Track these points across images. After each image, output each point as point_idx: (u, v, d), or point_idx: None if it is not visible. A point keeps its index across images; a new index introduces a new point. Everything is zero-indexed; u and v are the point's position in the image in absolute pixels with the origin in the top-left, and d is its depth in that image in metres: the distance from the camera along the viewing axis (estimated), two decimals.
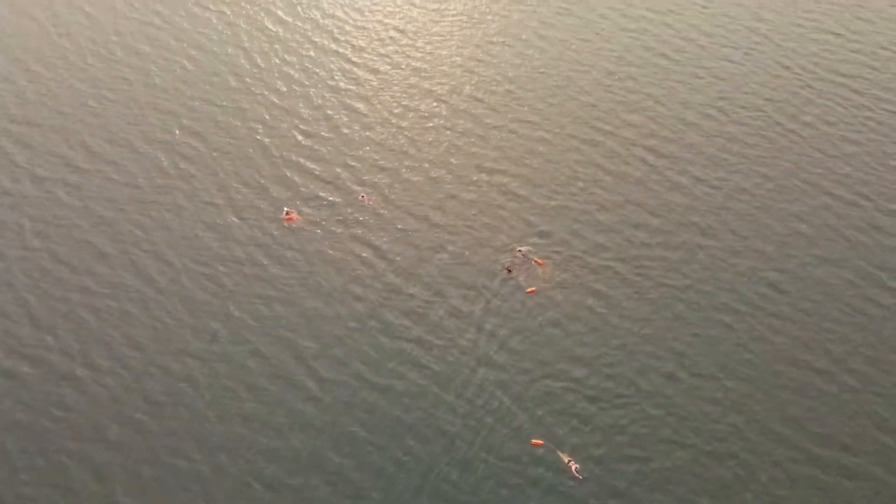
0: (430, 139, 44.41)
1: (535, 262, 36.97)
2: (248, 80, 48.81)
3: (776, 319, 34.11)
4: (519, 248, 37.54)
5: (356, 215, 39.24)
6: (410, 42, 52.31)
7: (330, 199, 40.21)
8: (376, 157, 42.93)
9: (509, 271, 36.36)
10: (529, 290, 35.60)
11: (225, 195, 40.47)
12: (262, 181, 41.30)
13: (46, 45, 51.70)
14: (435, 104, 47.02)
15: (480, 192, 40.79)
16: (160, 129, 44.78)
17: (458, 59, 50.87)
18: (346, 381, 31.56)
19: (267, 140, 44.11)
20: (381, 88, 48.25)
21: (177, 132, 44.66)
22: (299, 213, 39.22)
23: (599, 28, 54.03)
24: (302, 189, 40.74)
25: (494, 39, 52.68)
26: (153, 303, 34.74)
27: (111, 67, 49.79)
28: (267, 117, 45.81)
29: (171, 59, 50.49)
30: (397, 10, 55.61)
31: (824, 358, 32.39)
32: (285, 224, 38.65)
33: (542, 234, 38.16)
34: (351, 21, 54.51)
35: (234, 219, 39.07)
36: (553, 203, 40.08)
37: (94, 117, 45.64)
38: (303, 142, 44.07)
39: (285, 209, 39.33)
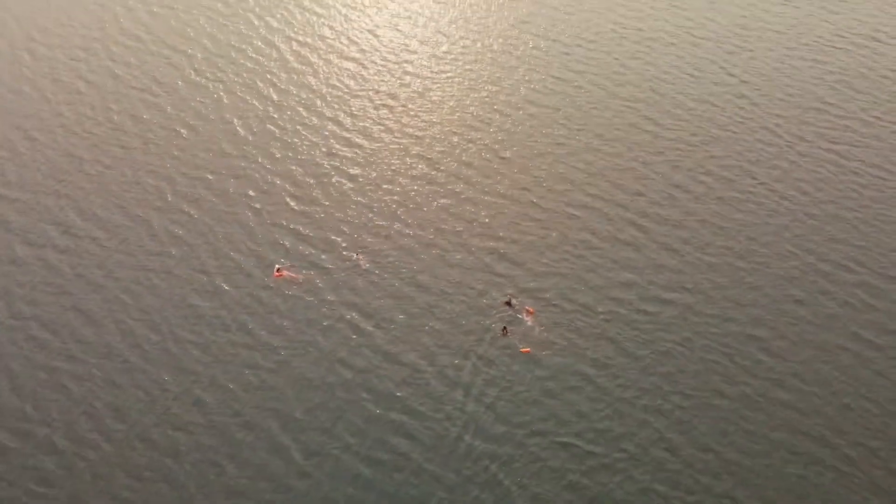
0: (422, 204, 44.64)
1: (527, 310, 37.17)
2: (242, 147, 49.31)
3: (772, 385, 33.77)
4: (505, 300, 37.79)
5: (347, 278, 39.16)
6: (403, 109, 53.08)
7: (321, 262, 40.14)
8: (368, 222, 43.07)
9: (505, 332, 36.19)
10: (523, 349, 35.40)
11: (216, 261, 40.39)
12: (255, 246, 41.31)
13: (45, 112, 52.32)
14: (426, 170, 47.42)
15: (472, 256, 40.76)
16: (155, 196, 45.00)
17: (449, 126, 51.55)
18: (333, 452, 30.87)
19: (259, 206, 44.29)
20: (374, 155, 48.74)
21: (170, 198, 44.86)
22: (290, 271, 39.40)
23: (588, 98, 54.98)
24: (293, 253, 40.73)
25: (485, 108, 53.51)
26: (139, 371, 34.25)
27: (108, 134, 50.28)
28: (260, 183, 46.13)
29: (167, 127, 51.06)
30: (390, 78, 56.58)
31: (824, 427, 31.95)
32: (274, 278, 39.03)
33: (533, 297, 37.99)
34: (344, 89, 55.41)
35: (224, 285, 38.91)
36: (544, 267, 40.05)
37: (89, 183, 45.87)
38: (295, 207, 44.28)
39: (276, 266, 39.71)
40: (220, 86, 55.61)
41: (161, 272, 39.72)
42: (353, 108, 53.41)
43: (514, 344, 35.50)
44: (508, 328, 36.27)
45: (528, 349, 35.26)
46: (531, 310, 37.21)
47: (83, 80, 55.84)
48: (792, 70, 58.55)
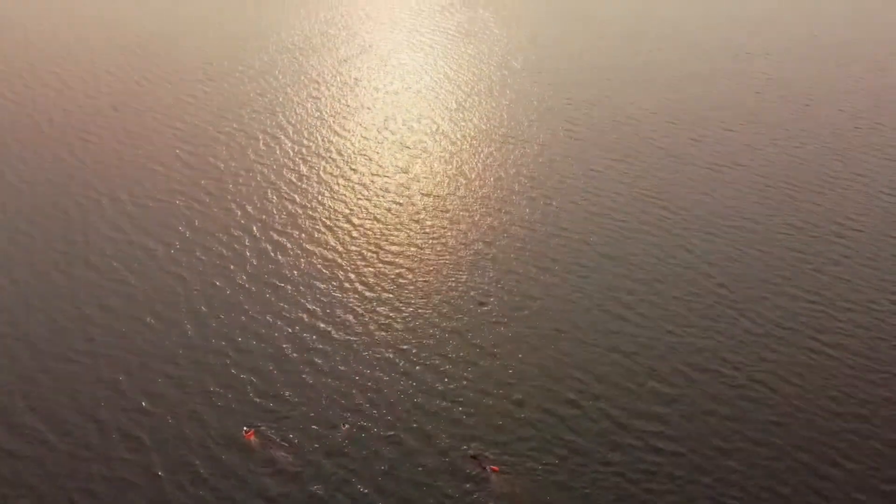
0: (394, 399, 43.08)
1: (491, 469, 36.73)
2: (209, 338, 48.28)
3: None
4: (471, 454, 37.70)
5: (314, 474, 37.13)
6: (377, 298, 52.50)
7: (289, 447, 37.97)
8: (336, 419, 41.38)
9: None
10: None
11: (168, 467, 38.26)
12: (211, 451, 39.26)
13: (14, 303, 51.58)
14: (402, 364, 46.07)
15: (446, 457, 38.85)
16: (112, 393, 43.30)
17: (428, 318, 50.68)
18: None
19: (222, 402, 42.64)
20: (344, 347, 47.60)
21: (129, 394, 43.25)
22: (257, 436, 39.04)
23: (564, 288, 54.69)
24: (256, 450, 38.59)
25: (465, 300, 52.85)
26: None
27: (73, 326, 49.25)
28: (223, 377, 44.67)
29: (134, 317, 50.22)
30: (365, 267, 56.48)
31: None
32: (245, 438, 39.12)
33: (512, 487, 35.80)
34: (317, 276, 55.13)
35: (172, 497, 36.41)
36: (529, 478, 37.84)
37: (47, 379, 44.30)
38: (259, 402, 42.69)
39: (244, 427, 39.45)
40: (194, 274, 55.30)
41: (104, 481, 37.41)
42: (325, 297, 52.77)
43: None
44: None
45: None
46: (496, 468, 36.89)
47: (58, 271, 55.50)
48: (767, 258, 58.75)
